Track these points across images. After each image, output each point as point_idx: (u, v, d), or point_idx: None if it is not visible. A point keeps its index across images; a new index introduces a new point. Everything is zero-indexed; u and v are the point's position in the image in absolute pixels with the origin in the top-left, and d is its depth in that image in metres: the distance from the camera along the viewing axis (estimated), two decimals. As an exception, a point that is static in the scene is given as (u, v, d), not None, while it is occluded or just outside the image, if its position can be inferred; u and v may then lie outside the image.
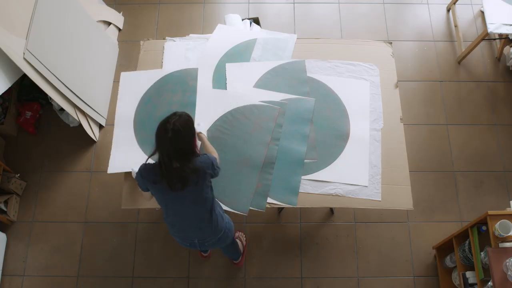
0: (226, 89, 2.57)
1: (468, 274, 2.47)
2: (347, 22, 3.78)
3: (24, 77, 3.20)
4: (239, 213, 2.28)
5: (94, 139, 3.30)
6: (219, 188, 2.24)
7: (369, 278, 2.93)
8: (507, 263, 2.09)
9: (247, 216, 2.57)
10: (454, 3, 3.71)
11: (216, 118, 2.47)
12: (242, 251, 2.87)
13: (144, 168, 1.88)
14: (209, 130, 2.43)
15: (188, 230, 2.07)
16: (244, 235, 2.97)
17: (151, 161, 1.89)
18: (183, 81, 2.61)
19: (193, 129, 1.81)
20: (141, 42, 2.79)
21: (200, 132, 2.20)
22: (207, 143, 2.17)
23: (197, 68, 2.64)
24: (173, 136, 1.69)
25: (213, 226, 2.05)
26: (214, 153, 2.08)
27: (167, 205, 1.99)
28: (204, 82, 2.60)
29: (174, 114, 1.77)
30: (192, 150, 1.82)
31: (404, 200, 2.33)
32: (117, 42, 3.68)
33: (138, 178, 1.92)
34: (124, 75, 2.68)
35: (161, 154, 1.76)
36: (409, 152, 2.60)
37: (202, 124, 2.34)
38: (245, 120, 2.44)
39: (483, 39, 3.25)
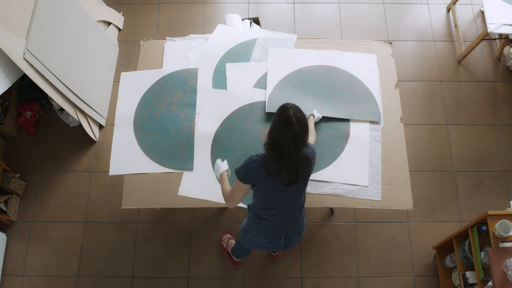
0: (226, 89, 2.58)
1: (468, 274, 2.47)
2: (347, 22, 3.78)
3: (24, 77, 3.22)
4: None
5: (94, 139, 3.30)
6: None
7: (369, 278, 2.93)
8: (507, 263, 2.09)
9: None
10: (454, 3, 3.71)
11: (222, 119, 2.48)
12: None
13: (260, 158, 1.83)
14: (217, 131, 2.44)
15: (284, 227, 2.04)
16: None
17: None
18: (183, 81, 2.61)
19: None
20: (141, 42, 2.79)
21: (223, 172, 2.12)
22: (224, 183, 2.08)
23: (197, 68, 2.64)
24: (299, 127, 1.71)
25: (302, 223, 2.08)
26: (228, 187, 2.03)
27: (274, 198, 1.93)
28: (204, 82, 2.60)
29: (286, 107, 1.75)
30: (308, 136, 1.82)
31: (404, 200, 2.33)
32: (117, 42, 3.68)
33: (247, 168, 1.84)
34: (124, 75, 2.68)
35: (284, 145, 1.73)
36: (409, 152, 2.61)
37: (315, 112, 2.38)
38: (248, 121, 2.45)
39: (483, 39, 3.25)
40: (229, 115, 2.50)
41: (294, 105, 1.78)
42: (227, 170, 2.10)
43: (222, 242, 2.94)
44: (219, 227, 3.06)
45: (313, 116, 2.38)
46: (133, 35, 3.74)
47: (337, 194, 2.32)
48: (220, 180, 2.07)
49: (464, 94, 3.49)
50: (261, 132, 2.44)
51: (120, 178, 2.45)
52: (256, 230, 2.07)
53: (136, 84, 2.64)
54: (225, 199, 1.99)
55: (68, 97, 2.92)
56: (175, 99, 2.56)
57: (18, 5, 2.55)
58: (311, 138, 2.13)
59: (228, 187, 2.00)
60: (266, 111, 2.49)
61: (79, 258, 3.01)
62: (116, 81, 3.50)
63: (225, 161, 2.15)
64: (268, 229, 2.03)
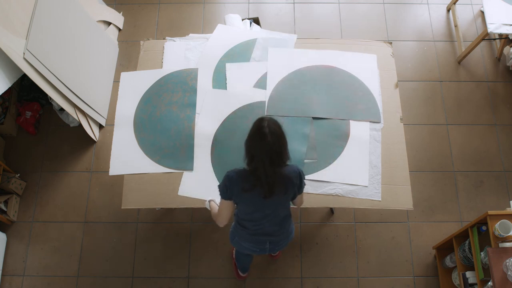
0: (226, 89, 2.57)
1: (468, 274, 2.47)
2: (347, 22, 3.78)
3: (24, 77, 3.22)
4: None
5: (94, 139, 3.30)
6: None
7: (369, 278, 2.93)
8: (507, 263, 2.09)
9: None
10: (454, 3, 3.71)
11: (222, 119, 2.48)
12: None
13: (236, 174, 1.79)
14: (217, 131, 2.43)
15: (264, 235, 2.02)
16: None
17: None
18: (183, 81, 2.61)
19: (283, 129, 1.73)
20: (141, 42, 2.79)
21: (212, 200, 2.15)
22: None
23: (197, 68, 2.64)
24: (272, 139, 1.64)
25: (288, 230, 2.06)
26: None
27: (251, 211, 1.92)
28: (204, 82, 2.60)
29: (262, 119, 1.68)
30: (286, 153, 1.73)
31: (404, 200, 2.33)
32: (117, 42, 3.68)
33: (225, 186, 1.82)
34: (124, 75, 2.68)
35: (259, 160, 1.69)
36: (409, 152, 2.61)
37: None
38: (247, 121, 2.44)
39: (483, 39, 3.25)
40: (229, 115, 2.50)
41: (272, 118, 1.72)
42: (212, 200, 2.13)
43: (233, 251, 2.93)
44: (218, 227, 3.05)
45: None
46: (133, 35, 3.74)
47: (337, 194, 2.32)
48: (210, 208, 2.10)
49: (464, 94, 3.49)
50: None
51: (120, 178, 2.45)
52: (240, 236, 2.07)
53: (136, 84, 2.64)
54: (214, 220, 1.98)
55: (68, 97, 2.92)
56: (175, 99, 2.56)
57: (18, 5, 2.55)
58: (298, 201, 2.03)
59: (216, 208, 2.00)
60: (266, 113, 2.48)
61: (79, 258, 3.01)
62: (116, 81, 3.50)
63: (209, 197, 2.19)
64: (251, 236, 2.03)
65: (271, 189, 1.76)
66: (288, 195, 1.87)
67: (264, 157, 1.67)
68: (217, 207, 2.04)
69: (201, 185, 2.36)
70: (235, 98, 2.54)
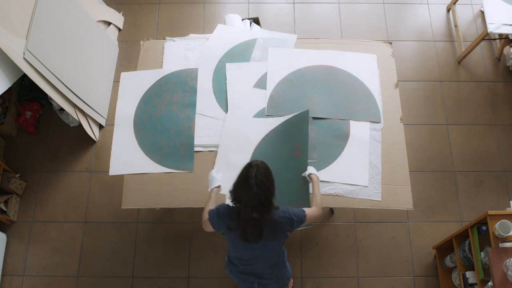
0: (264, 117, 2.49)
1: (468, 274, 2.47)
2: (347, 22, 3.78)
3: (24, 77, 3.22)
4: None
5: (94, 139, 3.30)
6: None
7: (369, 278, 2.93)
8: (507, 263, 2.09)
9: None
10: (454, 3, 3.71)
11: (254, 146, 2.43)
12: None
13: (223, 210, 1.79)
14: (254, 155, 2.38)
15: (254, 276, 2.00)
16: (292, 282, 2.88)
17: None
18: (183, 81, 2.61)
19: (272, 178, 1.71)
20: (141, 42, 2.79)
21: (312, 174, 2.09)
22: (317, 186, 2.05)
23: (197, 68, 2.64)
24: (258, 190, 1.62)
25: (279, 275, 2.04)
26: (317, 198, 1.98)
27: (238, 250, 1.91)
28: (204, 82, 2.60)
29: (250, 166, 1.67)
30: (272, 202, 1.71)
31: (404, 200, 2.33)
32: (117, 42, 3.68)
33: (213, 216, 1.82)
34: (124, 75, 2.68)
35: (243, 206, 1.68)
36: (409, 152, 2.61)
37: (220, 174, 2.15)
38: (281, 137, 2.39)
39: (483, 39, 3.25)
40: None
41: (262, 163, 1.69)
42: (218, 187, 2.06)
43: None
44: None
45: (309, 178, 2.14)
46: (133, 35, 3.74)
47: (337, 194, 2.32)
48: (208, 196, 2.04)
49: (464, 94, 3.49)
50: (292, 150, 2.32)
51: (120, 178, 2.45)
52: (230, 270, 2.06)
53: (136, 84, 2.64)
54: (202, 221, 1.94)
55: (68, 97, 2.92)
56: (175, 99, 2.56)
57: (18, 5, 2.55)
58: (317, 199, 1.98)
59: (207, 210, 1.93)
60: (266, 114, 2.48)
61: (79, 258, 3.01)
62: (116, 81, 3.50)
63: (220, 174, 2.11)
64: (240, 274, 2.01)
65: (256, 235, 1.73)
66: (278, 240, 1.82)
67: (249, 205, 1.65)
68: (211, 204, 1.96)
69: (231, 181, 2.29)
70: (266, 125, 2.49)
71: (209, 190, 2.07)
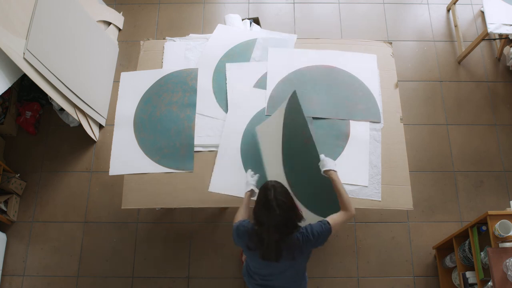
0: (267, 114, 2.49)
1: (468, 274, 2.47)
2: (347, 22, 3.78)
3: (24, 77, 3.22)
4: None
5: (94, 139, 3.30)
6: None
7: (369, 278, 2.93)
8: (507, 263, 2.09)
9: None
10: (454, 3, 3.71)
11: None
12: None
13: (242, 229, 1.79)
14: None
15: None
16: None
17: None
18: (183, 81, 2.61)
19: (291, 196, 1.69)
20: (141, 42, 2.79)
21: (330, 170, 1.96)
22: (339, 184, 1.92)
23: (197, 68, 2.64)
24: (280, 211, 1.61)
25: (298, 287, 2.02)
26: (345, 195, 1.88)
27: (258, 267, 1.90)
28: (204, 82, 2.60)
29: (267, 188, 1.66)
30: (296, 223, 1.69)
31: (404, 200, 2.33)
32: (117, 42, 3.68)
33: (233, 233, 1.83)
34: (124, 75, 2.68)
35: (265, 229, 1.67)
36: (409, 152, 2.60)
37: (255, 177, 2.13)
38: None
39: (483, 39, 3.25)
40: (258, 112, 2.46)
41: (277, 183, 1.68)
42: (250, 191, 2.05)
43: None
44: (219, 227, 3.06)
45: (328, 175, 1.98)
46: (133, 35, 3.74)
47: (337, 194, 2.32)
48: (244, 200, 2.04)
49: (464, 94, 3.49)
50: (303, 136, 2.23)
51: (120, 178, 2.45)
52: (248, 281, 2.05)
53: (136, 84, 2.64)
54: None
55: (68, 97, 2.92)
56: (175, 99, 2.56)
57: (18, 5, 2.55)
58: (343, 200, 1.87)
59: (239, 214, 1.93)
60: (266, 113, 2.48)
61: (79, 258, 3.01)
62: (116, 81, 3.50)
63: (256, 176, 2.09)
64: (257, 286, 2.00)
65: (275, 255, 1.72)
66: (297, 261, 1.81)
67: (271, 227, 1.65)
68: (243, 210, 1.97)
69: (231, 182, 2.31)
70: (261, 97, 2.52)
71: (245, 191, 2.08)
